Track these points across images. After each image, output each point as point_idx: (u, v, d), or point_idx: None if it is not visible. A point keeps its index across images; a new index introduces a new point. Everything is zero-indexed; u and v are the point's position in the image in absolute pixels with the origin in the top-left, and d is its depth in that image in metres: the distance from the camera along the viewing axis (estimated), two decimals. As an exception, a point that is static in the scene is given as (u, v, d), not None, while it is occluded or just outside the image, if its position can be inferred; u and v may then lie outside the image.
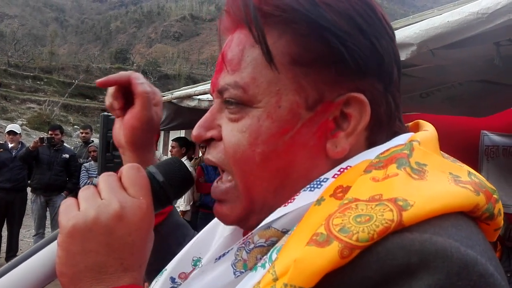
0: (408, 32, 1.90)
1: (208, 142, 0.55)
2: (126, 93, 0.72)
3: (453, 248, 0.38)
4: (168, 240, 0.74)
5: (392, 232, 0.39)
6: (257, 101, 0.50)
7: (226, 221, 0.55)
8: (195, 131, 0.55)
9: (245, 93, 0.50)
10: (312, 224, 0.43)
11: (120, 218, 0.47)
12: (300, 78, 0.49)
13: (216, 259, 0.51)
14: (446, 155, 0.52)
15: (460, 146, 4.13)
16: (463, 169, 0.47)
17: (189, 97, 5.17)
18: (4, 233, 6.24)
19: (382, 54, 0.50)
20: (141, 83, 0.70)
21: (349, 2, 0.49)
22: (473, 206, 0.43)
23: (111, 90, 0.73)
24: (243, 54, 0.51)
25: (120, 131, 0.73)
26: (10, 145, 6.21)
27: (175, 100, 5.51)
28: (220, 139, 0.53)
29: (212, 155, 0.54)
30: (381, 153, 0.47)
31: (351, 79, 0.49)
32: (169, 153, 5.96)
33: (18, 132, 6.43)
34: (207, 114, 0.55)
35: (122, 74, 0.71)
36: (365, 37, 0.49)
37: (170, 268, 0.62)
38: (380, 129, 0.51)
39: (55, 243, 0.49)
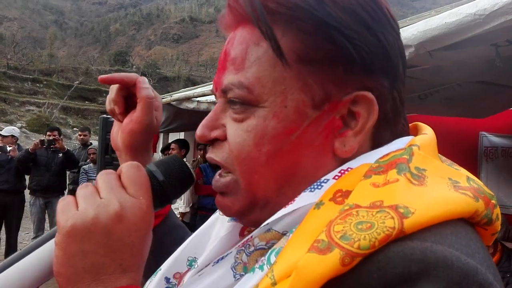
0: (406, 33, 1.90)
1: (212, 142, 0.54)
2: (127, 97, 0.71)
3: (453, 257, 0.38)
4: (164, 241, 0.73)
5: (393, 240, 0.38)
6: (263, 101, 0.49)
7: (227, 213, 0.54)
8: (199, 131, 0.53)
9: (250, 93, 0.49)
10: (311, 228, 0.43)
11: (120, 218, 0.46)
12: (306, 77, 0.48)
13: (215, 262, 0.51)
14: (444, 158, 0.51)
15: (459, 148, 4.13)
16: (462, 174, 0.47)
17: (188, 99, 5.18)
18: (3, 236, 6.22)
19: (389, 50, 0.48)
20: (146, 87, 0.69)
21: None
22: (472, 213, 0.42)
23: (111, 94, 0.71)
24: (246, 52, 0.49)
25: (118, 134, 0.72)
26: (8, 148, 6.18)
27: (174, 102, 5.51)
28: (224, 139, 0.52)
29: (216, 154, 0.53)
30: (381, 158, 0.47)
31: (358, 76, 0.48)
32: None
33: (7, 135, 6.35)
34: (210, 114, 0.54)
35: (128, 75, 0.70)
36: (372, 34, 0.47)
37: (165, 268, 0.61)
38: (386, 127, 0.50)
39: (52, 241, 0.48)
